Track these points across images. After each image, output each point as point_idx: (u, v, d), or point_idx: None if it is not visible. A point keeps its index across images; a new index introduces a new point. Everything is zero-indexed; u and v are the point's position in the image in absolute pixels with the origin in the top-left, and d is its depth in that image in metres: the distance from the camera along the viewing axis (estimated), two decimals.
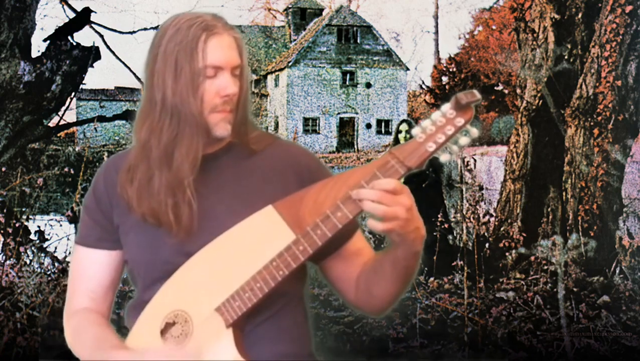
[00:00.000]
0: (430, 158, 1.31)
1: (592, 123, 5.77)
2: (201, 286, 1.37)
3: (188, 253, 1.39)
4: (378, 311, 1.46)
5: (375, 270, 1.40)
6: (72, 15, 7.55)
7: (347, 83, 40.24)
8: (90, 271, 1.51)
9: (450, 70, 39.13)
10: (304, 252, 1.32)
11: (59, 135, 12.34)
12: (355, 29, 40.44)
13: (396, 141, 6.38)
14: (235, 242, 1.37)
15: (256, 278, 1.34)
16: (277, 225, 1.35)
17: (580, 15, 6.21)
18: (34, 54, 6.17)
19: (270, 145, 1.51)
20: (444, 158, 1.30)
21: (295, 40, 42.69)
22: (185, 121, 1.40)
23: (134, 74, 8.94)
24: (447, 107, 1.28)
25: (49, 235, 5.64)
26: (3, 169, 5.82)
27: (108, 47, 8.26)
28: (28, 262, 5.16)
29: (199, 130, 1.40)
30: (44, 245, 5.57)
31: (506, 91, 32.70)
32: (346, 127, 40.14)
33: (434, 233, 5.38)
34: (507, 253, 5.90)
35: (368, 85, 40.26)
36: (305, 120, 39.73)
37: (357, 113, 40.08)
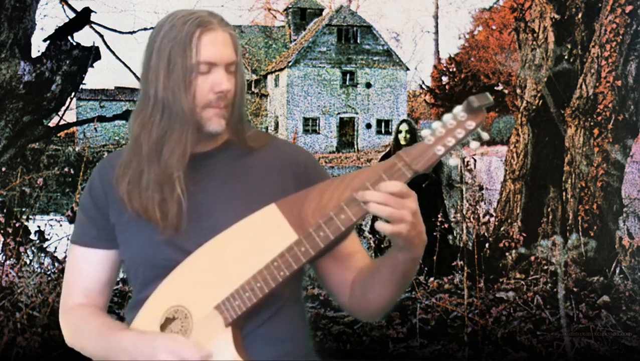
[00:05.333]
0: None
1: (592, 123, 5.77)
2: (202, 283, 1.36)
3: (185, 250, 1.38)
4: (371, 315, 1.46)
5: (372, 275, 1.39)
6: (72, 15, 7.55)
7: (347, 83, 40.24)
8: (86, 270, 1.50)
9: (450, 70, 39.17)
10: (305, 253, 1.30)
11: (59, 135, 12.32)
12: (355, 29, 40.44)
13: (396, 141, 6.37)
14: (237, 239, 1.36)
15: (257, 277, 1.32)
16: (280, 224, 1.33)
17: (580, 15, 6.20)
18: (34, 54, 6.17)
19: (268, 144, 1.49)
20: (452, 162, 1.27)
21: (295, 40, 42.69)
22: (175, 117, 1.38)
23: (134, 74, 8.93)
24: (458, 109, 1.25)
25: (49, 235, 5.63)
26: (3, 169, 5.80)
27: (108, 47, 8.25)
28: (28, 262, 5.16)
29: (188, 127, 1.38)
30: (44, 245, 5.56)
31: (506, 91, 32.68)
32: (346, 127, 40.13)
33: (434, 233, 5.38)
34: (507, 253, 5.89)
35: (368, 85, 40.25)
36: (305, 120, 39.72)
37: (357, 113, 40.07)
